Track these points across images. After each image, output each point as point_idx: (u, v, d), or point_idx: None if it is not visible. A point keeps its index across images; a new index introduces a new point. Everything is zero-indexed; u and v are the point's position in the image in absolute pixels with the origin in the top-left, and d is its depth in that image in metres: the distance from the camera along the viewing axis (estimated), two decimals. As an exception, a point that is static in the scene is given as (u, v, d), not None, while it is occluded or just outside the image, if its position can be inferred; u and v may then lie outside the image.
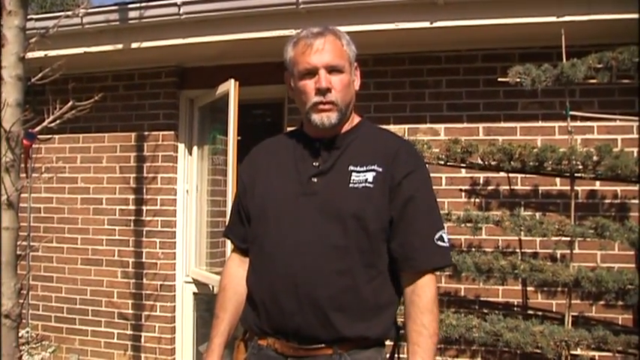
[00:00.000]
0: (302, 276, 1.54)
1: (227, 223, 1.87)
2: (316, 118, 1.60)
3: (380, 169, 1.58)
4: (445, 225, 1.65)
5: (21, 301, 2.16)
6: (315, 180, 1.61)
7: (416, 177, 1.59)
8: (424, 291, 1.54)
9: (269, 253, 1.61)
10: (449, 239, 1.64)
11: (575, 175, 3.13)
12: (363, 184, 1.57)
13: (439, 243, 1.57)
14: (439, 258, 1.58)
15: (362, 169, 1.59)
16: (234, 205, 1.81)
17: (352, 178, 1.58)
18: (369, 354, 1.59)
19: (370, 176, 1.57)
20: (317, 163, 1.63)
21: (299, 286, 1.54)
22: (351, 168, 1.59)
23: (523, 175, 3.48)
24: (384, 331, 1.60)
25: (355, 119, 1.72)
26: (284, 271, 1.56)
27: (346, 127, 1.68)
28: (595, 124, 3.43)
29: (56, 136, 4.44)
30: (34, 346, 4.13)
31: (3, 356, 2.04)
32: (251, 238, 1.70)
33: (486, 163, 3.24)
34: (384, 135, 1.73)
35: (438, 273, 3.26)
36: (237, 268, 1.78)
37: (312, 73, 1.60)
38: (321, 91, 1.58)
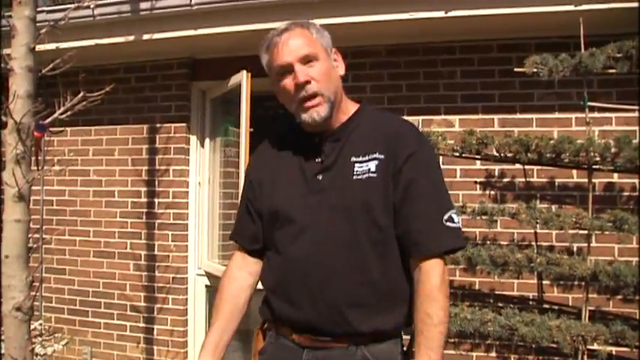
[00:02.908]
0: (316, 274, 1.52)
1: (234, 226, 1.83)
2: (306, 116, 1.58)
3: (382, 157, 1.54)
4: (455, 207, 1.58)
5: (33, 293, 2.15)
6: (320, 177, 1.58)
7: (417, 158, 1.54)
8: (428, 277, 1.48)
9: (283, 255, 1.60)
10: (460, 219, 1.58)
11: (593, 167, 3.08)
12: (367, 174, 1.54)
13: (448, 224, 1.51)
14: (450, 240, 1.52)
15: (364, 158, 1.55)
16: (242, 206, 1.78)
17: (355, 169, 1.55)
18: (385, 346, 1.56)
19: (373, 165, 1.54)
20: (319, 159, 1.61)
21: (313, 285, 1.52)
22: (354, 159, 1.56)
23: (539, 167, 3.43)
24: (399, 323, 1.57)
25: (351, 107, 1.68)
26: (298, 272, 1.55)
27: (343, 118, 1.64)
28: (613, 115, 3.36)
29: (68, 129, 4.45)
30: (47, 338, 4.15)
31: (15, 349, 2.03)
32: (265, 238, 1.69)
33: (502, 154, 3.19)
34: (383, 119, 1.68)
35: (453, 265, 3.24)
36: (238, 270, 1.76)
37: (288, 71, 1.57)
38: (301, 86, 1.55)
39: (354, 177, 1.54)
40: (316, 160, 1.61)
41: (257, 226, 1.71)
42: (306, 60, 1.57)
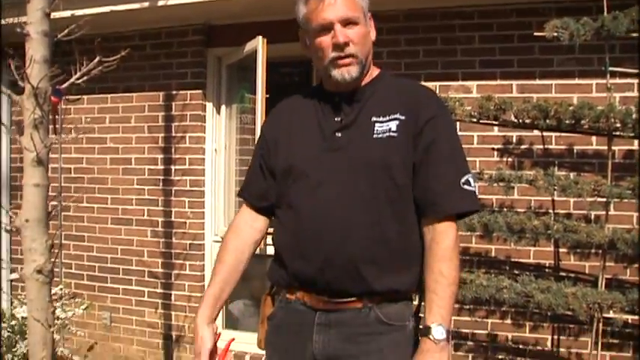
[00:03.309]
0: (332, 231, 1.53)
1: (243, 183, 1.84)
2: (336, 73, 1.57)
3: (403, 117, 1.55)
4: (472, 172, 1.59)
5: (52, 259, 2.18)
6: (339, 135, 1.59)
7: (438, 122, 1.56)
8: (442, 238, 1.51)
9: (297, 210, 1.60)
10: (476, 184, 1.59)
11: (613, 133, 3.03)
12: (387, 134, 1.54)
13: (465, 187, 1.53)
14: (466, 202, 1.55)
15: (385, 118, 1.56)
16: (254, 162, 1.79)
17: (376, 128, 1.56)
18: (398, 308, 1.58)
19: (394, 125, 1.55)
20: (339, 118, 1.61)
21: (329, 241, 1.52)
22: (374, 119, 1.57)
23: (558, 134, 3.39)
24: (413, 284, 1.58)
25: (374, 71, 1.68)
26: (313, 228, 1.55)
27: (366, 80, 1.65)
28: (635, 80, 3.29)
29: (85, 97, 4.48)
30: (67, 302, 4.22)
31: (37, 310, 2.07)
32: (276, 197, 1.69)
33: (520, 120, 3.15)
34: (404, 83, 1.70)
35: (469, 232, 3.23)
36: (245, 224, 1.77)
37: (327, 28, 1.56)
38: (339, 47, 1.55)
39: (374, 136, 1.55)
40: (336, 118, 1.60)
41: (267, 183, 1.72)
42: (347, 22, 1.56)
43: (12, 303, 4.46)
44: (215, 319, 1.71)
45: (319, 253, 1.53)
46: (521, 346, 3.56)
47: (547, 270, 3.49)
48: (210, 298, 1.70)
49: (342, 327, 1.56)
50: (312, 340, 1.58)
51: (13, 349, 3.42)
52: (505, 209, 3.44)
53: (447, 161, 1.54)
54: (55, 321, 2.17)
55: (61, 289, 4.11)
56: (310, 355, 1.60)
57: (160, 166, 4.35)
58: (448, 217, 1.53)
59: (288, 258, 1.62)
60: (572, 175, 3.37)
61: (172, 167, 4.31)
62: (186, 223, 4.28)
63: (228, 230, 1.81)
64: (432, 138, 1.54)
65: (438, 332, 1.44)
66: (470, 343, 3.63)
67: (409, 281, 1.57)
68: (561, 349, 3.49)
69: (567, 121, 3.03)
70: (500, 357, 3.59)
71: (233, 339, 1.80)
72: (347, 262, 1.51)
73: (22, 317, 3.58)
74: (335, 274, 1.53)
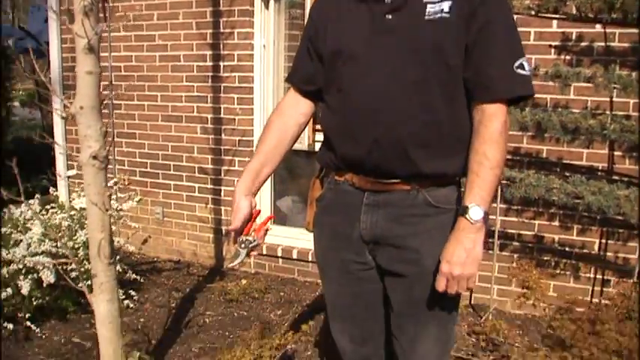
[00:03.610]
0: (382, 112, 1.51)
1: (291, 69, 1.82)
2: None
3: None
4: (526, 56, 1.52)
5: (107, 146, 2.23)
6: (390, 17, 1.53)
7: (492, 3, 1.48)
8: (491, 121, 1.47)
9: (346, 93, 1.58)
10: (531, 68, 1.53)
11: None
12: (439, 15, 1.48)
13: (519, 71, 1.47)
14: (520, 87, 1.49)
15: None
16: (302, 46, 1.76)
17: (427, 9, 1.49)
18: (446, 192, 1.59)
19: (446, 6, 1.48)
20: (389, 0, 1.54)
21: (378, 123, 1.51)
22: (426, 0, 1.50)
23: (621, 30, 3.21)
24: (460, 168, 1.56)
25: None
26: (363, 109, 1.53)
27: None
28: None
29: (132, -7, 4.44)
30: (121, 195, 4.37)
31: (94, 195, 2.14)
32: (325, 82, 1.67)
33: (583, 14, 2.98)
34: None
35: (521, 132, 3.14)
36: (289, 107, 1.77)
37: None
38: None
39: (426, 17, 1.49)
40: (386, 0, 1.54)
41: (315, 67, 1.70)
42: None
43: (70, 196, 4.65)
44: (254, 194, 1.73)
45: (368, 135, 1.52)
46: (567, 249, 3.55)
47: (600, 173, 3.41)
48: (251, 172, 1.72)
49: (390, 207, 1.57)
50: (360, 220, 1.61)
51: (74, 237, 3.59)
52: (560, 109, 3.33)
53: (500, 43, 1.48)
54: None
55: (116, 182, 4.25)
56: (357, 236, 1.63)
57: (209, 63, 4.34)
58: (499, 101, 1.48)
59: (337, 140, 1.62)
60: (634, 74, 3.21)
61: (221, 64, 4.29)
62: (235, 119, 4.31)
63: (272, 112, 1.82)
64: (486, 19, 1.47)
65: (475, 213, 1.44)
66: (516, 243, 3.64)
67: (457, 165, 1.56)
68: (608, 254, 3.47)
69: (634, 14, 2.86)
70: (545, 259, 3.60)
71: (272, 216, 1.84)
72: (396, 144, 1.51)
73: (81, 208, 3.74)
74: (383, 156, 1.52)
